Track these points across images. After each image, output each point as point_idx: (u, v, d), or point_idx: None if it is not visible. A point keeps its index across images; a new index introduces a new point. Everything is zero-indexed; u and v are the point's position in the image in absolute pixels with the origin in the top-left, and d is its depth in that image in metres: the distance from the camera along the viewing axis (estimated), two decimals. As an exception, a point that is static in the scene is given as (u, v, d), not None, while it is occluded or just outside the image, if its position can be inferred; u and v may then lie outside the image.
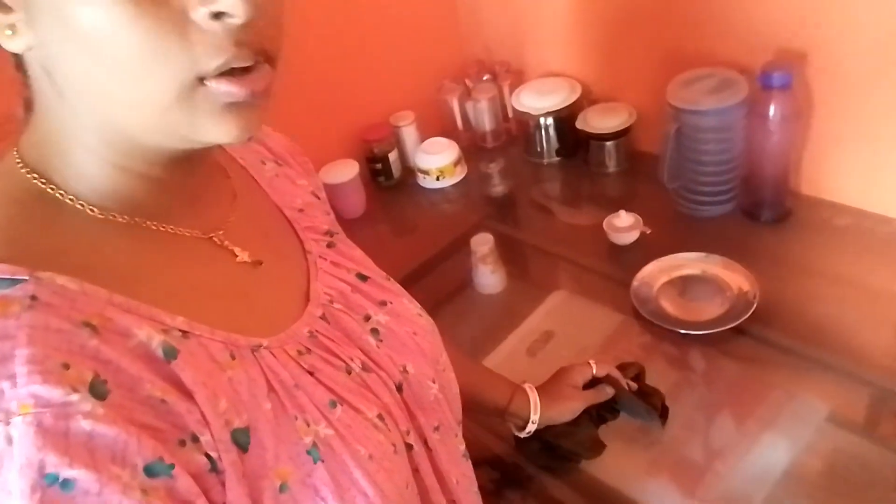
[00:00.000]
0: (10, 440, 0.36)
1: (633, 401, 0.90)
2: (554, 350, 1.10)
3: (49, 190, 0.46)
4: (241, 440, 0.44)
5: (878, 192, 1.11)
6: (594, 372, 0.92)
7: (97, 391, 0.38)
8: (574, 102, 1.37)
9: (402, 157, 1.48)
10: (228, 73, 0.40)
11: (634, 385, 0.92)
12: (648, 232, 1.15)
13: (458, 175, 1.44)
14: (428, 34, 1.53)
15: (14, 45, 0.42)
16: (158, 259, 0.48)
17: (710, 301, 1.05)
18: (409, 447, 0.56)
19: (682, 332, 1.01)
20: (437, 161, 1.41)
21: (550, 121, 1.38)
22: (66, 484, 0.36)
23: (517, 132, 1.52)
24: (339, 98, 1.36)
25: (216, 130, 0.42)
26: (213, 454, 0.42)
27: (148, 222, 0.49)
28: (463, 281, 1.23)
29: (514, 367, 1.05)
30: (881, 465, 0.82)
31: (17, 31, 0.41)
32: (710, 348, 1.00)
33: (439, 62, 1.56)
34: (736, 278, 1.06)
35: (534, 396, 0.87)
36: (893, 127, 1.04)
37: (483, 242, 1.24)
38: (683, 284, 1.09)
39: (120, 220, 0.47)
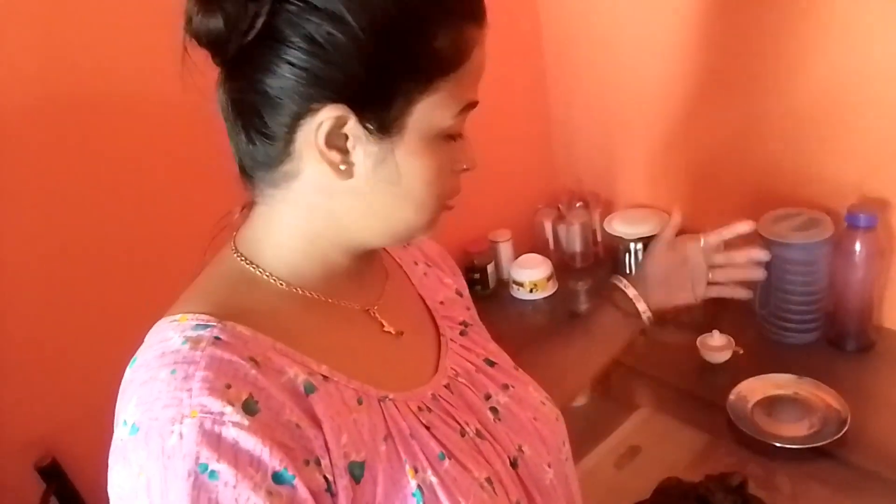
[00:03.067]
0: (181, 436, 0.47)
1: None
2: (641, 465, 1.13)
3: (251, 269, 0.60)
4: (356, 472, 0.53)
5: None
6: (702, 244, 0.97)
7: (249, 408, 0.49)
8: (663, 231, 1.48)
9: (498, 269, 1.60)
10: None
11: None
12: (741, 352, 1.21)
13: (550, 289, 1.55)
14: (526, 165, 1.71)
15: (342, 175, 0.56)
16: (320, 322, 0.61)
17: (801, 421, 1.09)
18: None
19: (777, 444, 1.05)
20: (531, 275, 1.53)
21: (640, 245, 1.49)
22: (213, 474, 0.46)
23: (604, 255, 1.64)
24: (448, 214, 1.51)
25: (431, 233, 0.62)
26: (330, 477, 0.51)
27: (321, 296, 0.62)
28: (549, 392, 1.30)
29: (599, 480, 1.08)
30: None
31: (350, 168, 0.56)
32: (797, 471, 1.03)
33: (535, 189, 1.72)
34: (826, 399, 1.10)
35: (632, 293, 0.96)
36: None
37: (571, 355, 1.31)
38: (775, 403, 1.14)
39: (300, 292, 0.61)
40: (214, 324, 0.53)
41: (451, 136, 0.58)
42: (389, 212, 0.59)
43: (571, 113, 1.68)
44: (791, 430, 1.08)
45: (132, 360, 0.54)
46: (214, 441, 0.47)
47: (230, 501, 0.46)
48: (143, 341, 0.55)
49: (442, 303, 0.77)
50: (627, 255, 1.51)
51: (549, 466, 0.67)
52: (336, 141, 0.55)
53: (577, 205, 1.62)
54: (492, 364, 0.73)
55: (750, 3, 1.24)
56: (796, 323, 1.24)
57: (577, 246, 1.62)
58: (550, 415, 0.73)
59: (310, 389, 0.53)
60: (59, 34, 1.01)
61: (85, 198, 1.08)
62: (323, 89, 0.53)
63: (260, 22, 0.51)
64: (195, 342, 0.51)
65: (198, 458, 0.46)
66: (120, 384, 0.53)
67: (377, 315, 0.66)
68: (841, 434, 1.03)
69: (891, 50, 1.09)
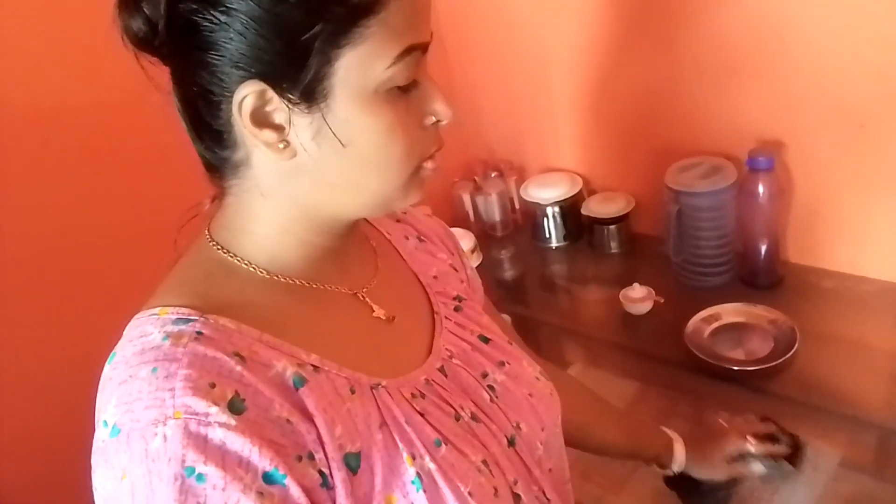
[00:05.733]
0: (165, 438, 0.45)
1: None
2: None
3: (229, 258, 0.58)
4: (352, 463, 0.51)
5: (856, 256, 1.25)
6: (752, 451, 0.93)
7: (235, 407, 0.47)
8: (577, 193, 1.53)
9: (422, 247, 1.59)
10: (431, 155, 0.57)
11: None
12: (662, 301, 1.26)
13: (475, 261, 1.55)
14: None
15: (283, 155, 0.53)
16: (307, 310, 0.59)
17: (755, 343, 1.16)
18: (517, 497, 0.61)
19: (736, 368, 1.11)
20: (455, 249, 1.53)
21: (557, 209, 1.53)
22: (200, 477, 0.44)
23: (523, 222, 1.67)
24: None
25: (413, 198, 0.57)
26: (326, 471, 0.50)
27: (304, 282, 0.60)
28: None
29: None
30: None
31: (289, 145, 0.52)
32: (727, 409, 1.08)
33: (449, 162, 1.71)
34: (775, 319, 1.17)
35: (680, 454, 0.92)
36: (861, 198, 1.19)
37: (501, 323, 1.33)
38: (721, 332, 1.19)
39: (282, 280, 0.59)
40: (196, 318, 0.51)
41: (403, 88, 0.53)
42: (351, 183, 0.55)
43: (474, 82, 1.68)
44: (750, 350, 1.15)
45: (111, 355, 0.51)
46: (201, 443, 0.45)
47: None
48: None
49: (435, 277, 0.74)
50: (545, 219, 1.55)
51: (541, 443, 0.67)
52: (266, 119, 0.51)
53: (493, 174, 1.64)
54: (486, 340, 0.71)
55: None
56: (710, 266, 1.29)
57: (497, 215, 1.64)
58: (545, 390, 0.71)
59: (299, 383, 0.51)
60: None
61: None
62: (235, 68, 0.50)
63: (164, 12, 0.48)
64: (176, 338, 0.49)
65: (184, 461, 0.44)
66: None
67: (366, 298, 0.64)
68: (794, 349, 1.09)
69: (778, 3, 1.14)
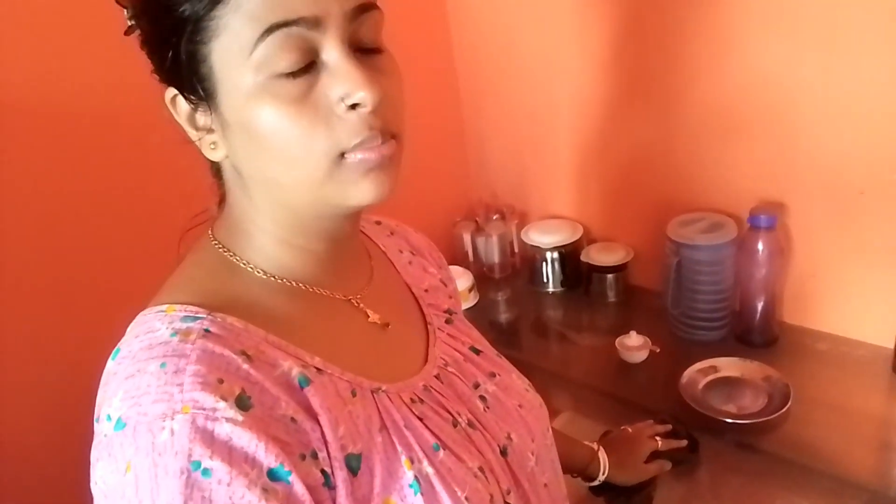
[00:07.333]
0: (172, 432, 0.45)
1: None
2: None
3: (231, 258, 0.59)
4: (353, 464, 0.52)
5: (851, 320, 1.26)
6: (658, 447, 1.04)
7: (242, 404, 0.48)
8: (577, 240, 1.54)
9: (420, 283, 1.60)
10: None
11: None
12: (658, 351, 1.26)
13: (472, 300, 1.56)
14: (443, 179, 1.73)
15: (216, 156, 0.57)
16: (307, 313, 0.60)
17: (748, 399, 1.16)
18: None
19: (729, 420, 1.11)
20: (453, 287, 1.53)
21: (556, 255, 1.54)
22: (206, 472, 0.45)
23: (521, 265, 1.68)
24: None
25: (359, 194, 0.54)
26: (328, 470, 0.50)
27: (302, 285, 0.61)
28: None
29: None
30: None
31: (217, 145, 0.56)
32: (715, 465, 1.07)
33: (452, 202, 1.75)
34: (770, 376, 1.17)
35: (604, 461, 0.99)
36: (859, 263, 1.21)
37: (493, 364, 1.33)
38: (716, 385, 1.19)
39: (280, 282, 0.60)
40: (204, 315, 0.52)
41: (288, 74, 0.50)
42: (270, 177, 0.54)
43: (485, 128, 1.72)
44: (741, 406, 1.15)
45: (115, 350, 0.51)
46: (208, 438, 0.45)
47: (224, 499, 0.45)
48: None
49: (426, 290, 0.76)
50: (544, 264, 1.56)
51: (532, 454, 0.68)
52: (196, 123, 0.55)
53: (494, 217, 1.65)
54: (477, 352, 0.73)
55: (651, 25, 1.31)
56: (706, 321, 1.30)
57: (496, 257, 1.64)
58: (535, 401, 0.73)
59: (304, 382, 0.52)
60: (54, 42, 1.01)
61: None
62: (157, 78, 0.54)
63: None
64: (185, 334, 0.50)
65: (190, 455, 0.45)
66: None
67: (361, 304, 0.65)
68: (787, 406, 1.09)
69: (776, 66, 1.17)
